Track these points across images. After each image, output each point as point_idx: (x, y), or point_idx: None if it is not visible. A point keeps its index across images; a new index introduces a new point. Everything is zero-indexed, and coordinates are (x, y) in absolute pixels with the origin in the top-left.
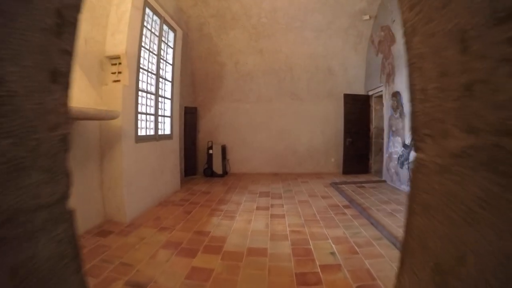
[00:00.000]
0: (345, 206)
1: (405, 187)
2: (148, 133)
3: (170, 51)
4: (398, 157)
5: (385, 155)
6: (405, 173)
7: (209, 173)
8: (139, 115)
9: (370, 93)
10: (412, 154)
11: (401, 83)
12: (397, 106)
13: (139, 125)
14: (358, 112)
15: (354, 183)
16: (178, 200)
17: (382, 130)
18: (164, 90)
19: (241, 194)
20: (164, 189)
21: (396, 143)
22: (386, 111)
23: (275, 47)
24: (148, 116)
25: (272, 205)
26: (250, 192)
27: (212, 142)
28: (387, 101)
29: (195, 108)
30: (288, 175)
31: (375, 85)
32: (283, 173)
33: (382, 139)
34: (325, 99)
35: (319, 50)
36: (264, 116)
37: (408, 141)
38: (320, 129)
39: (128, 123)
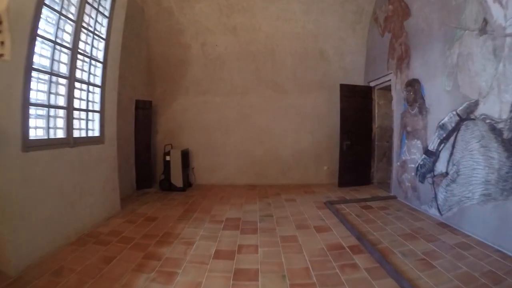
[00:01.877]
0: (353, 248)
1: (428, 209)
2: (53, 135)
3: (106, 22)
4: (417, 168)
5: (395, 164)
6: (427, 189)
7: (166, 186)
8: (32, 109)
9: (372, 84)
10: (441, 165)
11: (421, 67)
12: (414, 98)
13: (33, 124)
14: (357, 108)
15: (357, 201)
16: (106, 233)
17: (387, 130)
18: (91, 74)
19: (199, 222)
20: (88, 217)
21: (413, 148)
22: (397, 106)
23: (252, 24)
24: (55, 110)
25: (240, 248)
26: (212, 220)
27: (171, 145)
28: (398, 93)
29: (150, 103)
30: (269, 188)
31: (380, 74)
32: (263, 185)
33: (388, 141)
34: (315, 91)
35: (308, 29)
36: (238, 113)
37: (433, 145)
38: (309, 128)
39: (8, 120)
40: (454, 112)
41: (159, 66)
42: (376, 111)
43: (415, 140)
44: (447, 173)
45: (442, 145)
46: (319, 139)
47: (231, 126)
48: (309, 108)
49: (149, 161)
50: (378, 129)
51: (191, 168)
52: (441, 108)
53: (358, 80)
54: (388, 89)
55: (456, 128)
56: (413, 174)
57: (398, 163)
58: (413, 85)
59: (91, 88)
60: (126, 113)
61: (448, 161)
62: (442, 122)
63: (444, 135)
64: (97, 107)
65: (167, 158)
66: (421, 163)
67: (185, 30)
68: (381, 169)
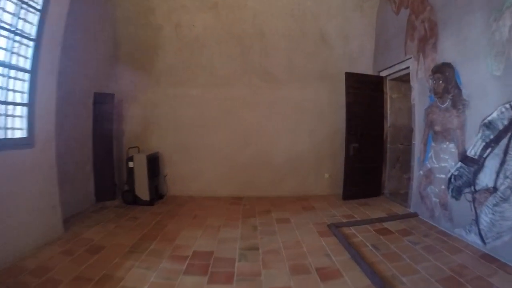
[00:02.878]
0: None
1: (464, 234)
2: None
3: None
4: (450, 179)
5: (417, 172)
6: (464, 208)
7: (130, 200)
8: None
9: (383, 74)
10: (486, 176)
11: (455, 47)
12: (445, 88)
13: None
14: (366, 103)
15: (369, 222)
16: (29, 271)
17: (402, 130)
18: (13, 54)
19: (155, 259)
20: (9, 246)
21: (443, 154)
22: (420, 99)
23: (237, 0)
24: None
25: None
26: (174, 254)
27: (138, 148)
28: (421, 83)
29: (112, 96)
30: (258, 201)
31: (394, 60)
32: (250, 198)
33: (402, 144)
34: (315, 81)
35: (306, 6)
36: (220, 108)
37: (475, 150)
38: (307, 128)
39: None
40: (508, 105)
41: (126, 52)
42: (389, 106)
43: (447, 143)
44: (495, 189)
45: (489, 150)
46: (319, 140)
47: (210, 124)
48: (307, 102)
49: (111, 167)
50: (391, 129)
51: (163, 176)
52: (486, 100)
53: (366, 69)
54: (403, 79)
55: (511, 127)
56: (443, 187)
57: (421, 172)
58: (443, 71)
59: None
60: (80, 109)
61: (498, 173)
62: (489, 119)
63: (492, 137)
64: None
65: (130, 164)
66: (456, 173)
67: (155, 8)
68: (394, 177)
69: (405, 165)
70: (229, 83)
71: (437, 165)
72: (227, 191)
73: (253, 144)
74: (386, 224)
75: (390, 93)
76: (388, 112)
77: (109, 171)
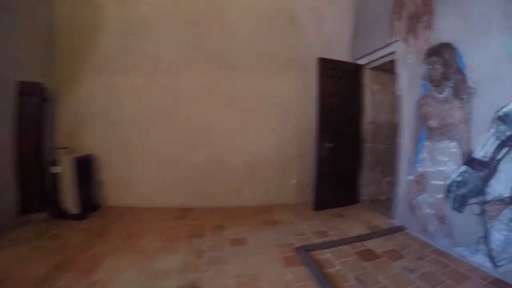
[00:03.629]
0: None
1: (469, 254)
2: None
3: None
4: (450, 186)
5: (404, 177)
6: (469, 223)
7: (57, 212)
8: None
9: (362, 61)
10: (500, 184)
11: (457, 23)
12: (444, 74)
13: None
14: (343, 95)
15: (348, 241)
16: None
17: (383, 127)
18: None
19: None
20: None
21: (440, 155)
22: (409, 89)
23: None
24: None
25: None
26: None
27: (68, 149)
28: (411, 69)
29: (40, 86)
30: (210, 214)
31: (376, 45)
32: (202, 210)
33: (383, 143)
34: (283, 70)
35: None
36: (167, 101)
37: (484, 151)
38: (272, 125)
39: None
40: None
41: (62, 35)
42: (368, 100)
43: (446, 141)
44: None
45: (505, 150)
46: (286, 140)
47: (156, 120)
48: (272, 95)
49: (40, 173)
50: (371, 126)
51: (99, 183)
52: (501, 87)
53: (341, 57)
54: (384, 69)
55: None
56: (440, 196)
57: (411, 177)
58: (441, 53)
59: None
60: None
61: None
62: (505, 110)
63: (510, 134)
64: None
65: (56, 169)
66: (459, 179)
67: None
68: (374, 181)
69: (386, 168)
70: (179, 71)
71: (433, 169)
72: (174, 201)
73: (206, 145)
74: (369, 244)
75: (370, 85)
76: (367, 106)
77: (37, 177)
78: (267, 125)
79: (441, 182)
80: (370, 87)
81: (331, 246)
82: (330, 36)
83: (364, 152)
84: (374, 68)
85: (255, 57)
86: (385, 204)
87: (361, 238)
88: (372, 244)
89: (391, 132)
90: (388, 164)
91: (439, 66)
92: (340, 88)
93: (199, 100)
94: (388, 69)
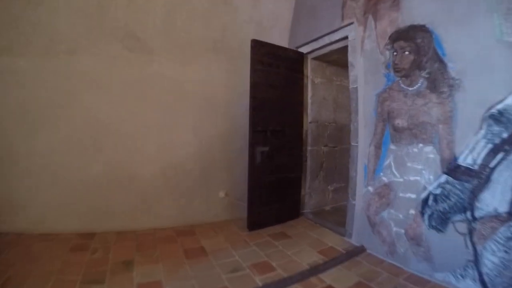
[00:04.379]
0: None
1: (454, 280)
2: None
3: None
4: (427, 200)
5: (362, 188)
6: (453, 243)
7: None
8: None
9: (305, 50)
10: (495, 196)
11: (434, 3)
12: (415, 63)
13: None
14: (281, 87)
15: (300, 278)
16: None
17: (327, 127)
18: None
19: None
20: None
21: (411, 161)
22: (367, 80)
23: None
24: None
25: None
26: None
27: None
28: (370, 56)
29: None
30: (117, 241)
31: (324, 30)
32: (107, 234)
33: (326, 145)
34: (207, 55)
35: None
36: (57, 91)
37: (473, 157)
38: (192, 123)
39: None
40: None
41: None
42: (310, 94)
43: (419, 145)
44: (510, 215)
45: (499, 156)
46: (210, 142)
47: (45, 116)
48: (193, 85)
49: None
50: (313, 126)
51: None
52: (492, 79)
53: (280, 43)
54: (329, 59)
55: None
56: (412, 212)
57: (371, 188)
58: (412, 37)
59: None
60: None
61: None
62: (500, 107)
63: (506, 136)
64: None
65: None
66: (438, 192)
67: None
68: (317, 190)
69: (331, 174)
70: (74, 51)
71: (401, 179)
72: (73, 223)
73: (110, 150)
74: (327, 276)
75: (312, 77)
76: (309, 102)
77: None
78: (187, 124)
79: (413, 195)
80: (312, 80)
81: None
82: (267, 18)
83: (305, 157)
84: (317, 58)
85: (173, 37)
86: (331, 216)
87: (316, 269)
88: (331, 277)
89: (336, 132)
90: (332, 169)
91: (408, 53)
92: (278, 78)
93: (101, 90)
94: (333, 60)
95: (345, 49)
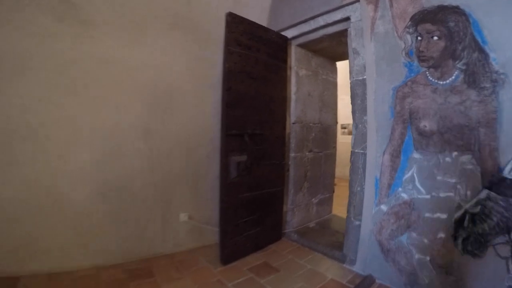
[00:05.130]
0: None
1: None
2: None
3: None
4: (461, 221)
5: (371, 206)
6: (493, 270)
7: None
8: None
9: (290, 34)
10: None
11: None
12: (447, 51)
13: None
14: (261, 79)
15: None
16: None
17: (312, 129)
18: None
19: None
20: None
21: (442, 173)
22: (379, 71)
23: None
24: None
25: None
26: None
27: None
28: (384, 40)
29: None
30: (51, 284)
31: (318, 9)
32: (34, 277)
33: (311, 150)
34: (164, 33)
35: None
36: None
37: None
38: (143, 125)
39: None
40: None
41: None
42: (294, 89)
43: (453, 153)
44: None
45: None
46: (168, 151)
47: None
48: (147, 73)
49: None
50: (297, 128)
51: None
52: None
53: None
54: (316, 48)
55: None
56: (441, 235)
57: (383, 207)
58: (443, 20)
59: None
60: None
61: None
62: None
63: None
64: None
65: None
66: (476, 210)
67: None
68: (301, 205)
69: (315, 184)
70: None
71: (427, 195)
72: None
73: (25, 162)
74: None
75: (296, 69)
76: (293, 98)
77: None
78: (136, 125)
79: (444, 216)
80: (296, 71)
81: None
82: None
83: (287, 166)
84: (303, 46)
85: (122, 7)
86: (319, 235)
87: None
88: None
89: (321, 135)
90: (317, 179)
91: (438, 38)
92: (258, 67)
93: (15, 76)
94: (321, 48)
95: (342, 34)
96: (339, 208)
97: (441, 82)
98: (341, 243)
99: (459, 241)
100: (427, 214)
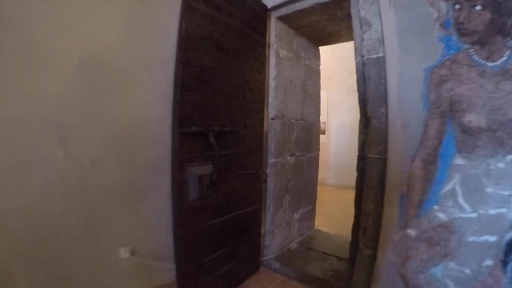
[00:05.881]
0: None
1: None
2: None
3: None
4: None
5: (395, 231)
6: None
7: None
8: None
9: (270, 3)
10: None
11: None
12: (495, 25)
13: None
14: (235, 53)
15: None
16: None
17: (293, 126)
18: None
19: None
20: None
21: (494, 182)
22: (405, 46)
23: None
24: None
25: None
26: None
27: None
28: (408, 8)
29: None
30: None
31: None
32: None
33: (293, 154)
34: None
35: None
36: None
37: None
38: (58, 118)
39: None
40: None
41: None
42: (274, 74)
43: (505, 157)
44: None
45: None
46: (95, 157)
47: None
48: (64, 38)
49: None
50: (277, 124)
51: None
52: None
53: None
54: (299, 23)
55: None
56: (487, 262)
57: (411, 232)
58: None
59: None
60: None
61: None
62: None
63: None
64: None
65: None
66: None
67: None
68: (282, 225)
69: (297, 196)
70: None
71: (473, 213)
72: None
73: None
74: None
75: (276, 47)
76: (273, 85)
77: None
78: (46, 118)
79: (493, 238)
80: (277, 51)
81: None
82: None
83: (265, 175)
84: (285, 19)
85: None
86: (305, 260)
87: None
88: None
89: (303, 135)
90: (299, 189)
91: (482, 8)
92: (230, 35)
93: None
94: (307, 25)
95: (339, 2)
96: (319, 220)
97: (490, 64)
98: (338, 272)
99: (510, 267)
100: (471, 238)
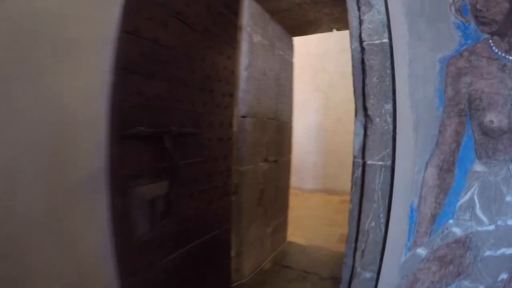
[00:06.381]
0: None
1: None
2: None
3: None
4: None
5: (403, 251)
6: None
7: None
8: None
9: None
10: None
11: None
12: None
13: None
14: (201, 30)
15: None
16: None
17: (267, 127)
18: None
19: None
20: None
21: None
22: (414, 35)
23: None
24: None
25: None
26: None
27: None
28: None
29: None
30: None
31: None
32: None
33: (266, 159)
34: None
35: None
36: None
37: None
38: None
39: None
40: None
41: None
42: (245, 63)
43: None
44: None
45: None
46: (6, 173)
47: None
48: None
49: None
50: (249, 124)
51: None
52: None
53: None
54: (275, 6)
55: None
56: (503, 276)
57: (421, 251)
58: None
59: None
60: None
61: None
62: None
63: None
64: None
65: None
66: None
67: None
68: (254, 243)
69: (271, 207)
70: None
71: (490, 226)
72: None
73: None
74: None
75: (249, 30)
76: (244, 76)
77: None
78: None
79: (510, 251)
80: (250, 35)
81: None
82: None
83: (234, 187)
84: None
85: None
86: (283, 282)
87: None
88: None
89: (276, 136)
90: (273, 199)
91: None
92: (196, 6)
93: None
94: (286, 9)
95: None
96: (290, 229)
97: (511, 57)
98: None
99: None
100: (488, 253)
